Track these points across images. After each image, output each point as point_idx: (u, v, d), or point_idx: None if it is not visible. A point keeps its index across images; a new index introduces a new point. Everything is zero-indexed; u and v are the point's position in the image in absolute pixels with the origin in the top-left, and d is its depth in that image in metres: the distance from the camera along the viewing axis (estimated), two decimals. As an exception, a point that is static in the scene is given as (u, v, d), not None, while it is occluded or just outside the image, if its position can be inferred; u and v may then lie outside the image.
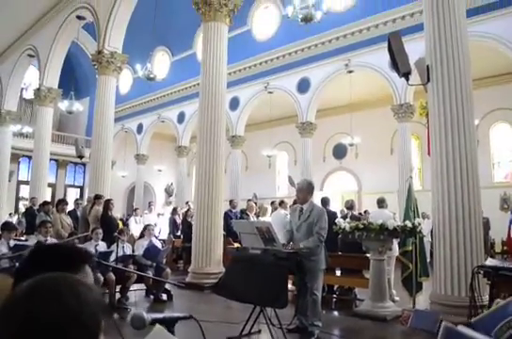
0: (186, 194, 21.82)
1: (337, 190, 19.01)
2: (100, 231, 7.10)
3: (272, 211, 10.20)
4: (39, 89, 13.73)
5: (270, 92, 16.18)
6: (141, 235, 8.66)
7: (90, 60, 10.96)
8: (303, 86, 15.04)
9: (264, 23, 16.65)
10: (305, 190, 4.97)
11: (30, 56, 15.18)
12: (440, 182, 5.14)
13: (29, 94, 21.34)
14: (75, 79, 21.90)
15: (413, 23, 11.88)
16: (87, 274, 1.05)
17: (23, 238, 9.86)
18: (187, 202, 16.19)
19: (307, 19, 8.15)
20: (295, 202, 8.38)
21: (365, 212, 12.80)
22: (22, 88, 17.94)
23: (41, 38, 14.33)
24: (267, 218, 9.61)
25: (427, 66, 5.35)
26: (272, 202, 10.99)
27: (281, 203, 9.27)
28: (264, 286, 4.37)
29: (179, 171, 21.14)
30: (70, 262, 1.03)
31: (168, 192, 26.51)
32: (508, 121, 14.49)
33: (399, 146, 13.30)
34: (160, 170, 24.23)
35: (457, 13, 5.22)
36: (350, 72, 13.78)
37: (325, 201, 9.08)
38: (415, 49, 9.53)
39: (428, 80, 5.36)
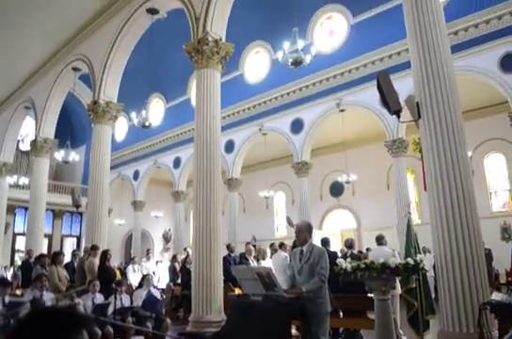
0: (185, 239, 21.57)
1: (336, 228, 18.89)
2: (97, 283, 6.94)
3: (272, 253, 10.04)
4: (35, 141, 13.83)
5: (264, 134, 16.42)
6: (140, 285, 8.46)
7: (85, 109, 11.16)
8: (296, 126, 15.30)
9: (255, 67, 17.17)
10: (304, 231, 4.89)
11: (27, 107, 15.43)
12: (439, 216, 5.11)
13: (25, 146, 21.53)
14: (71, 128, 22.21)
15: (400, 60, 12.30)
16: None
17: (18, 292, 9.58)
18: (185, 249, 15.94)
19: (297, 63, 8.37)
20: (294, 244, 8.26)
21: (367, 249, 12.63)
22: (18, 140, 18.09)
23: (38, 90, 14.63)
24: (267, 262, 9.44)
25: (417, 103, 5.44)
26: (271, 245, 10.83)
27: (281, 246, 9.13)
28: (267, 335, 4.20)
29: (176, 217, 21.00)
30: (68, 327, 1.01)
31: (166, 238, 26.24)
32: (501, 150, 14.68)
33: (395, 181, 13.35)
34: (157, 217, 24.07)
35: (442, 50, 5.38)
36: (342, 110, 14.11)
37: (325, 242, 8.95)
38: (404, 85, 9.83)
39: (419, 116, 5.43)
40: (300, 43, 8.36)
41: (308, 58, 8.53)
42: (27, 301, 5.61)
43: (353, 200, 18.38)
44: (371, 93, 12.44)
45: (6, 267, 18.28)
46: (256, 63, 17.17)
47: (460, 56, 10.87)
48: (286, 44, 8.44)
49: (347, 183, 16.20)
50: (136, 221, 22.13)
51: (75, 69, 12.81)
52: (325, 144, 17.45)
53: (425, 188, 5.60)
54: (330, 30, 14.95)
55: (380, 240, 7.65)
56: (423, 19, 5.47)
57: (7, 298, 5.56)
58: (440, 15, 5.55)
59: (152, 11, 10.05)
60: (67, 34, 12.31)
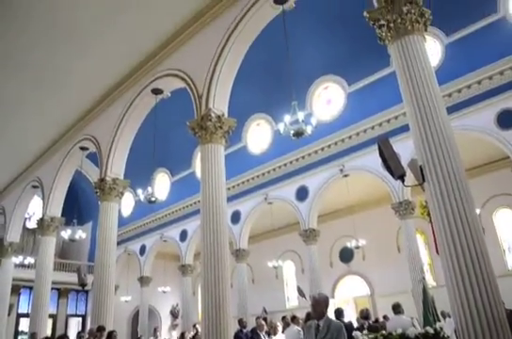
0: (193, 315, 20.82)
1: (349, 296, 18.27)
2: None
3: (284, 327, 9.65)
4: (42, 219, 13.90)
5: (270, 203, 16.49)
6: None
7: (93, 186, 11.36)
8: (302, 194, 15.41)
9: (257, 138, 17.65)
10: (322, 304, 4.71)
11: (35, 187, 15.72)
12: (454, 277, 4.96)
13: (32, 224, 21.58)
14: (78, 205, 22.42)
15: (399, 124, 12.67)
16: None
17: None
18: (195, 325, 15.36)
19: (298, 134, 8.64)
20: (308, 316, 7.97)
21: (384, 318, 12.11)
22: (25, 218, 18.20)
23: (46, 169, 15.00)
24: (279, 337, 9.05)
25: (420, 166, 5.48)
26: (283, 318, 10.45)
27: (293, 319, 8.80)
28: None
29: (184, 291, 20.45)
30: None
31: (174, 314, 25.31)
32: (508, 205, 14.53)
33: (405, 243, 13.12)
34: (165, 292, 23.40)
35: (439, 113, 5.50)
36: (345, 176, 14.28)
37: (339, 313, 8.63)
38: (405, 147, 10.04)
39: (424, 180, 5.43)
40: (300, 115, 8.69)
41: (309, 129, 8.81)
42: None
43: (364, 265, 17.94)
44: (373, 158, 12.73)
45: (8, 352, 17.58)
46: (258, 134, 17.71)
47: (457, 116, 11.24)
48: (287, 117, 8.78)
49: (357, 248, 15.94)
50: (142, 297, 21.53)
51: (83, 148, 13.23)
52: (331, 210, 17.45)
53: (437, 251, 5.51)
54: (328, 99, 15.57)
55: (397, 309, 7.39)
56: (416, 84, 5.66)
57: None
58: (432, 79, 5.74)
59: (157, 91, 10.59)
60: (75, 116, 12.90)
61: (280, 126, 9.20)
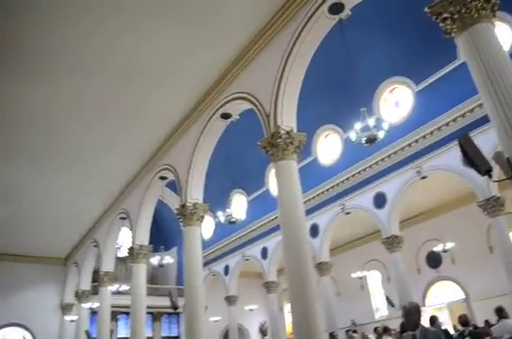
0: (281, 331, 20.84)
1: (441, 302, 17.42)
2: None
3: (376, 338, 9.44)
4: (132, 248, 14.61)
5: (348, 213, 16.24)
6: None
7: (173, 212, 11.85)
8: (379, 200, 15.01)
9: (327, 149, 17.58)
10: (414, 314, 4.58)
11: (122, 218, 16.66)
12: None
13: (123, 253, 22.81)
14: (162, 231, 23.46)
15: (475, 117, 12.13)
16: None
17: None
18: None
19: (371, 140, 8.56)
20: (402, 327, 7.72)
21: (486, 323, 11.42)
22: (116, 248, 19.23)
23: (131, 201, 15.86)
24: (373, 349, 8.85)
25: (507, 159, 5.17)
26: (375, 329, 10.21)
27: (386, 330, 8.60)
28: None
29: (270, 308, 20.56)
30: None
31: (263, 332, 25.39)
32: None
33: (498, 242, 12.33)
34: (251, 310, 23.63)
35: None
36: (423, 177, 13.73)
37: (434, 320, 8.31)
38: (485, 140, 9.49)
39: (513, 172, 5.11)
40: (371, 121, 8.59)
41: (381, 134, 8.69)
42: None
43: (454, 269, 17.03)
44: (451, 155, 12.25)
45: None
46: (328, 146, 17.64)
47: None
48: (357, 125, 8.70)
49: (445, 251, 15.28)
50: (230, 317, 21.87)
51: (162, 178, 13.89)
52: (412, 214, 16.90)
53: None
54: (396, 101, 15.18)
55: (500, 313, 7.01)
56: (492, 73, 5.35)
57: None
58: (509, 66, 5.40)
59: (226, 116, 10.92)
60: (152, 148, 13.62)
61: (352, 135, 9.13)
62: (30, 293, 22.48)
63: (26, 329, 22.52)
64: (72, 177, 15.11)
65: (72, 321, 21.59)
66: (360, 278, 17.87)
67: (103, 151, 13.58)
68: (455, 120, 12.85)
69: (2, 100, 10.92)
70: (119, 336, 22.86)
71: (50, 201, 16.92)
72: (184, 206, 11.62)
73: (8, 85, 10.39)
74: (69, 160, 14.10)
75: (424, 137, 13.64)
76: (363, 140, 8.67)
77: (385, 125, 8.91)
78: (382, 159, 14.82)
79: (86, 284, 20.67)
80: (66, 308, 23.12)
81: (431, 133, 13.46)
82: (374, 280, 20.37)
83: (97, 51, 9.61)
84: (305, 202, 14.21)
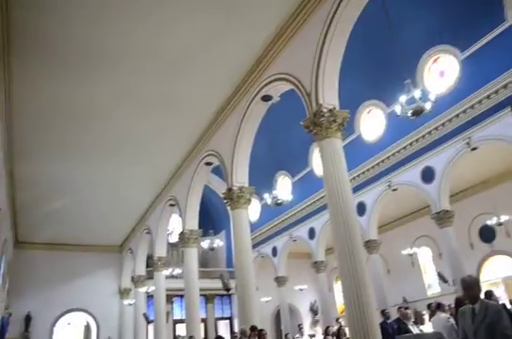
0: (332, 310, 20.96)
1: (497, 277, 16.93)
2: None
3: (430, 315, 9.32)
4: (182, 233, 15.05)
5: (395, 190, 15.92)
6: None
7: (220, 197, 12.05)
8: (427, 175, 14.54)
9: (370, 125, 17.21)
10: (474, 287, 4.50)
11: (172, 205, 17.15)
12: None
13: (174, 238, 23.49)
14: (210, 216, 23.95)
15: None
16: None
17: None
18: (337, 320, 15.43)
19: (417, 112, 8.31)
20: (457, 303, 7.58)
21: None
22: (167, 234, 19.84)
23: (178, 188, 16.24)
24: (427, 326, 8.76)
25: None
26: (428, 305, 10.09)
27: (439, 306, 8.47)
28: None
29: (320, 288, 20.70)
30: None
31: (314, 311, 25.71)
32: None
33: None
34: (301, 290, 23.89)
35: None
36: (474, 149, 13.08)
37: (490, 295, 8.13)
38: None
39: None
40: (417, 93, 8.32)
41: (428, 106, 8.41)
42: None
43: (510, 243, 16.43)
44: (501, 124, 11.73)
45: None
46: (371, 121, 17.27)
47: None
48: (402, 98, 8.46)
49: (499, 225, 14.78)
50: (281, 297, 22.20)
51: (208, 163, 14.14)
52: (463, 187, 16.39)
53: None
54: (441, 71, 14.54)
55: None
56: None
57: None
58: None
59: (266, 98, 10.92)
60: (196, 135, 13.85)
61: (397, 108, 8.90)
62: (90, 280, 23.66)
63: (89, 313, 23.82)
64: (122, 168, 15.64)
65: (130, 305, 22.64)
66: (411, 255, 17.64)
67: (149, 140, 13.91)
68: (505, 86, 12.12)
69: (50, 97, 11.36)
70: (175, 318, 23.74)
71: (102, 192, 17.62)
72: (230, 190, 11.79)
73: (55, 82, 10.76)
74: (117, 152, 14.58)
75: (473, 106, 13.01)
76: (409, 113, 8.42)
77: (431, 96, 8.59)
78: (429, 132, 14.29)
79: (141, 270, 21.54)
80: (124, 293, 24.22)
81: (480, 102, 12.81)
82: (424, 256, 20.03)
83: (138, 41, 9.76)
84: (351, 181, 14.11)
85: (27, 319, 21.58)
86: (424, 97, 8.56)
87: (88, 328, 25.02)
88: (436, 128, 14.06)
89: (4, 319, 15.04)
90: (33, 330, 21.46)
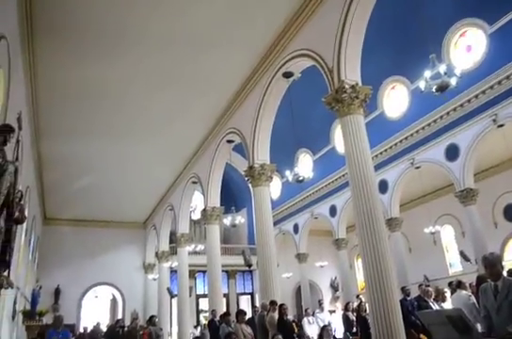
0: (352, 287, 21.15)
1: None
2: (280, 337, 7.17)
3: (451, 293, 9.32)
4: (205, 210, 15.26)
5: (418, 167, 15.73)
6: (320, 337, 8.48)
7: (241, 175, 12.10)
8: (451, 153, 14.31)
9: (393, 102, 16.91)
10: (497, 264, 4.47)
11: (194, 182, 17.33)
12: None
13: (196, 215, 23.91)
14: (232, 194, 24.17)
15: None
16: None
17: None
18: (358, 296, 15.57)
19: (442, 88, 8.10)
20: (479, 280, 7.55)
21: None
22: (190, 212, 20.18)
23: (200, 165, 16.41)
24: (448, 303, 8.76)
25: None
26: (449, 283, 10.07)
27: (460, 284, 8.45)
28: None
29: (341, 265, 20.92)
30: None
31: (334, 287, 26.01)
32: None
33: None
34: (322, 266, 24.13)
35: None
36: (500, 126, 12.80)
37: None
38: None
39: None
40: (442, 68, 8.10)
41: (453, 81, 8.19)
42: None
43: (535, 222, 16.23)
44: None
45: (195, 327, 19.94)
46: (394, 98, 16.96)
47: None
48: (427, 73, 8.24)
49: (524, 203, 14.54)
50: (302, 273, 22.48)
51: (229, 141, 14.19)
52: (488, 165, 16.11)
53: None
54: (467, 46, 14.10)
55: None
56: None
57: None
58: None
59: (288, 75, 10.79)
60: (218, 112, 13.83)
61: (421, 83, 8.70)
62: (116, 255, 24.35)
63: (115, 287, 24.63)
64: (146, 146, 15.79)
65: (154, 280, 23.29)
66: (433, 233, 17.51)
67: (171, 118, 13.96)
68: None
69: (76, 76, 11.43)
70: (198, 293, 24.35)
71: (127, 170, 17.91)
72: (251, 168, 11.83)
73: (80, 61, 10.82)
74: (141, 130, 14.68)
75: (500, 82, 12.61)
76: (434, 88, 8.22)
77: (457, 71, 8.36)
78: (454, 109, 13.96)
79: (164, 246, 22.04)
80: (148, 268, 24.91)
81: (507, 77, 12.37)
82: (447, 235, 19.91)
83: (160, 21, 9.71)
84: (373, 158, 13.99)
85: (57, 292, 22.45)
86: (450, 72, 8.33)
87: (114, 301, 25.92)
88: (461, 105, 13.72)
89: (35, 292, 15.67)
90: (62, 302, 22.32)
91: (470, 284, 9.06)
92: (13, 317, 12.82)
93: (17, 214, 4.84)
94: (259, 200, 11.67)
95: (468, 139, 13.73)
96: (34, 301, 15.07)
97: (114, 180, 18.78)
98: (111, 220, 23.98)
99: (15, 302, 12.87)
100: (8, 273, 4.62)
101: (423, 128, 15.18)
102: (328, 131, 19.69)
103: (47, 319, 15.04)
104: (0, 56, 6.94)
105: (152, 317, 13.59)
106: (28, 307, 15.08)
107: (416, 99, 15.31)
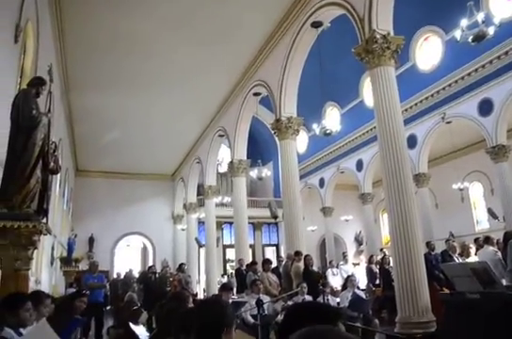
0: (377, 241, 21.36)
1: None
2: (305, 285, 7.43)
3: (477, 249, 9.37)
4: (231, 163, 15.42)
5: (448, 122, 15.30)
6: (344, 287, 8.74)
7: (268, 128, 12.06)
8: (485, 107, 13.80)
9: (426, 54, 16.20)
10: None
11: (221, 135, 17.43)
12: None
13: (223, 168, 24.22)
14: (258, 146, 24.23)
15: None
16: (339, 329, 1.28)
17: (234, 297, 10.69)
18: (382, 249, 15.81)
19: (479, 37, 7.72)
20: (506, 236, 7.56)
21: None
22: (217, 164, 20.45)
23: (228, 118, 16.38)
24: (473, 259, 8.83)
25: None
26: (475, 240, 10.12)
27: (487, 240, 8.47)
28: (491, 337, 3.88)
29: (366, 219, 21.01)
30: (327, 319, 1.27)
31: (359, 241, 26.40)
32: None
33: None
34: (347, 220, 24.39)
35: None
36: (540, 81, 12.26)
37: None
38: None
39: None
40: (480, 16, 7.68)
41: (491, 31, 7.77)
42: (247, 301, 6.55)
43: None
44: None
45: (223, 275, 20.81)
46: (427, 49, 16.19)
47: None
48: (463, 22, 7.83)
49: (558, 161, 14.07)
50: (327, 227, 22.79)
51: (256, 94, 14.05)
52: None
53: None
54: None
55: None
56: None
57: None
58: None
59: (316, 24, 10.44)
60: (244, 64, 13.62)
61: (457, 33, 8.29)
62: (146, 206, 25.10)
63: (146, 237, 25.67)
64: (172, 99, 15.78)
65: (182, 230, 24.12)
66: (461, 190, 17.31)
67: (198, 71, 13.80)
68: None
69: (104, 28, 11.37)
70: (225, 243, 25.17)
71: (154, 123, 18.00)
72: (278, 121, 11.77)
73: (113, 14, 10.73)
74: (169, 83, 14.61)
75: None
76: (470, 38, 7.83)
77: (496, 20, 7.91)
78: (490, 61, 13.25)
79: (192, 197, 22.58)
80: (176, 218, 25.73)
81: (550, 27, 11.68)
82: (475, 192, 19.66)
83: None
84: (402, 112, 13.65)
85: (91, 241, 23.58)
86: (488, 21, 7.88)
87: (145, 250, 27.08)
88: (498, 57, 12.98)
89: (70, 240, 16.54)
90: (96, 250, 23.44)
91: (497, 241, 9.08)
92: (52, 263, 13.63)
93: (52, 164, 5.00)
94: (285, 153, 11.71)
95: (503, 94, 13.14)
96: (70, 249, 15.94)
97: (141, 133, 19.00)
98: (141, 173, 24.55)
99: (53, 249, 13.63)
100: (47, 220, 4.87)
101: (456, 81, 14.57)
102: (357, 84, 19.13)
103: (82, 266, 15.93)
104: (28, 9, 6.92)
105: (181, 265, 14.19)
106: (65, 254, 15.96)
107: (450, 51, 14.61)
